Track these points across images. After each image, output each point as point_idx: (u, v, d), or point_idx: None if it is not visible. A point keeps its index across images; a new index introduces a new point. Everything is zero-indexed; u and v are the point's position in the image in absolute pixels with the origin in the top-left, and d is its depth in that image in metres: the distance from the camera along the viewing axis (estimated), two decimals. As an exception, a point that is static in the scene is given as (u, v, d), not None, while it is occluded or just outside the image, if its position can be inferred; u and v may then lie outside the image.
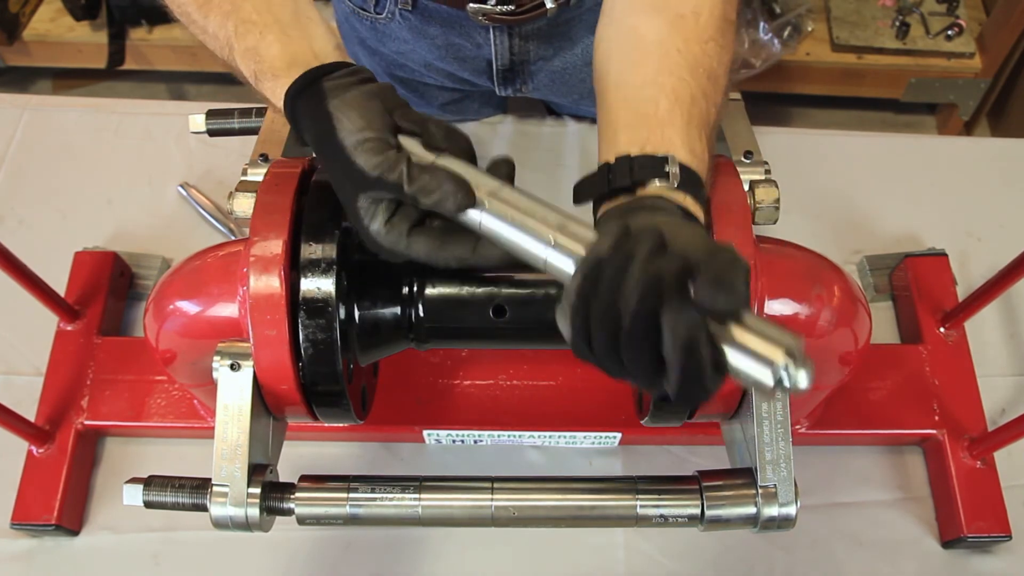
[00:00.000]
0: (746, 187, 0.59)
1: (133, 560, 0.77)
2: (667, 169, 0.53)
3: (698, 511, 0.56)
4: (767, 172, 0.66)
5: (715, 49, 0.58)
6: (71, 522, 0.77)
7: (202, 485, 0.57)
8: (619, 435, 0.79)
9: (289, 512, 0.57)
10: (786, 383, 0.41)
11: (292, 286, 0.55)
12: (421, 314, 0.60)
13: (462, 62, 0.94)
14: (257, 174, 0.65)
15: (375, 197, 0.52)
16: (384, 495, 0.57)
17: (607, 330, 0.44)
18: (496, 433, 0.79)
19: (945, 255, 0.88)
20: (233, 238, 0.92)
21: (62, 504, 0.76)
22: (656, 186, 0.53)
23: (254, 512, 0.56)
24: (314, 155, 0.55)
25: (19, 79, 2.16)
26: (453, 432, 0.79)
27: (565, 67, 0.93)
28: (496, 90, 0.96)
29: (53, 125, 1.02)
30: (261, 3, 0.58)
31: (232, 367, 0.57)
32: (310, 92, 0.54)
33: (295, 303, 0.55)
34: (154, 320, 0.63)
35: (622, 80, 0.59)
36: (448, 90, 1.02)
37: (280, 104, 0.56)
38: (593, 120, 1.04)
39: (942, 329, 0.83)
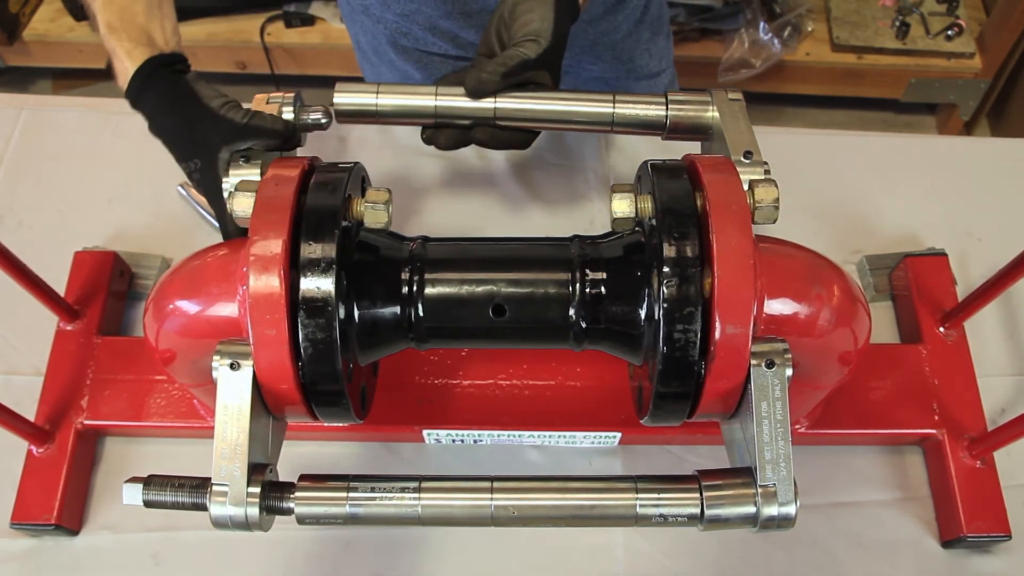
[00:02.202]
0: (745, 187, 0.58)
1: (133, 560, 0.77)
2: None
3: (698, 510, 0.56)
4: (767, 172, 0.66)
5: None
6: (71, 522, 0.77)
7: (202, 484, 0.57)
8: (618, 435, 0.79)
9: (289, 511, 0.57)
10: None
11: (292, 285, 0.55)
12: (421, 314, 0.61)
13: (467, 18, 0.95)
14: (239, 174, 0.67)
15: (240, 147, 0.67)
16: (384, 494, 0.57)
17: None
18: (496, 433, 0.79)
19: (945, 255, 0.88)
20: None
21: (62, 504, 0.76)
22: None
23: (254, 511, 0.56)
24: (160, 126, 0.68)
25: (19, 79, 2.17)
26: (453, 432, 0.79)
27: None
28: None
29: (51, 125, 1.02)
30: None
31: (232, 367, 0.57)
32: (165, 71, 0.68)
33: (295, 302, 0.55)
34: (154, 320, 0.63)
35: None
36: (451, 59, 1.02)
37: (125, 70, 0.69)
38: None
39: (942, 329, 0.83)
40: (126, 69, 0.69)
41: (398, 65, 1.05)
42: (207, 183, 0.68)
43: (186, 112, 0.68)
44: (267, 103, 0.71)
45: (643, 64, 1.09)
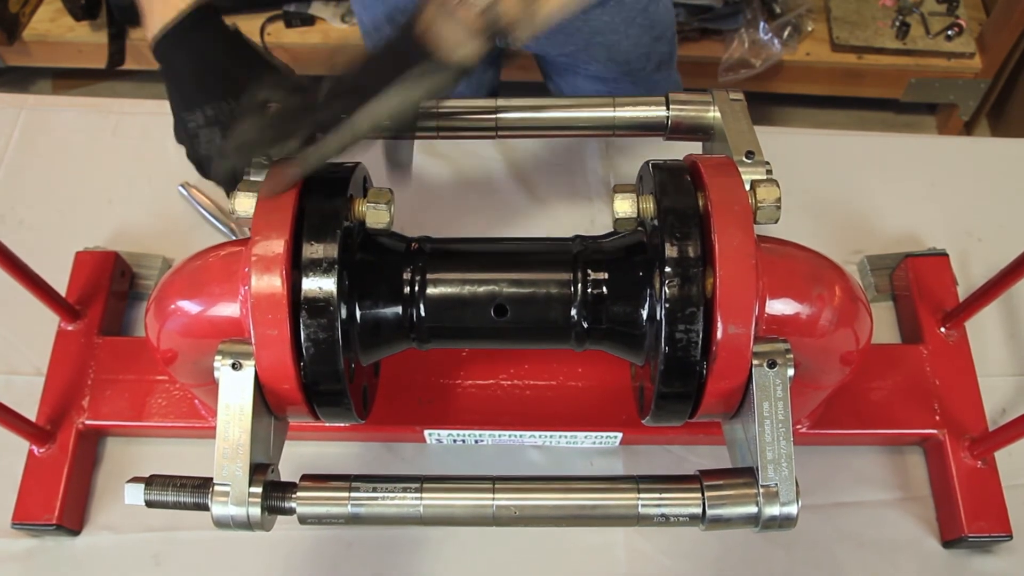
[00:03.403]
0: (747, 187, 0.59)
1: (134, 560, 0.77)
2: None
3: (699, 510, 0.56)
4: (768, 172, 0.66)
5: None
6: (72, 522, 0.77)
7: (203, 484, 0.57)
8: (620, 435, 0.79)
9: (290, 511, 0.57)
10: None
11: (293, 285, 0.55)
12: (422, 314, 0.61)
13: None
14: (259, 175, 0.65)
15: (275, 95, 0.61)
16: (385, 494, 0.57)
17: None
18: (497, 433, 0.79)
19: (946, 255, 0.88)
20: (234, 238, 0.92)
21: (63, 504, 0.76)
22: None
23: (255, 511, 0.56)
24: (204, 64, 0.67)
25: (19, 79, 2.16)
26: (454, 432, 0.79)
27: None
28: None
29: (51, 125, 1.02)
30: None
31: (233, 366, 0.57)
32: (218, 17, 0.67)
33: (296, 302, 0.56)
34: (155, 320, 0.63)
35: None
36: None
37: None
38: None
39: (943, 329, 0.83)
40: None
41: None
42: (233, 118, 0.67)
43: (240, 52, 0.68)
44: None
45: (640, 67, 1.09)
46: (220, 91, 0.66)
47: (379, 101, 0.57)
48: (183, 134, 0.68)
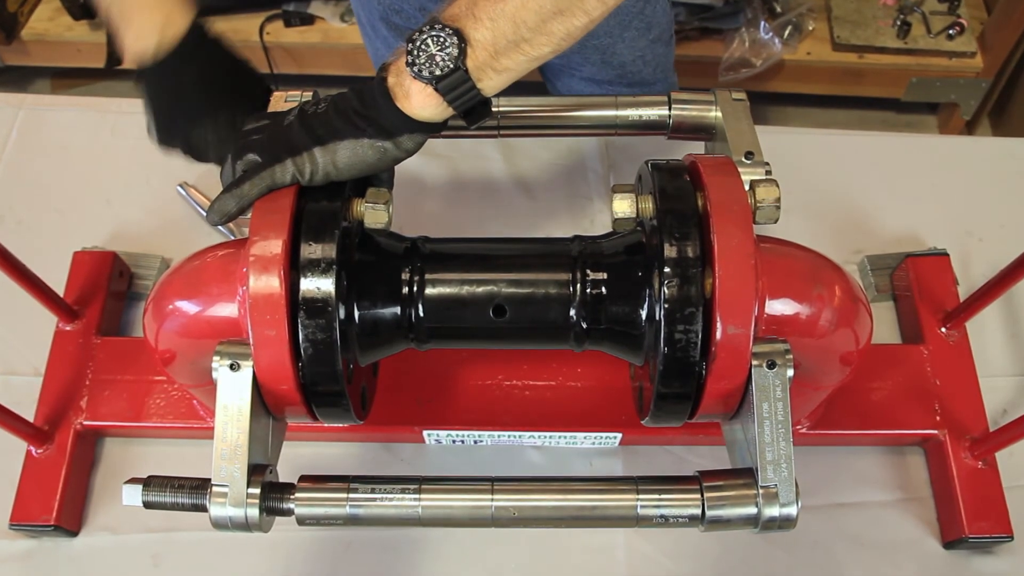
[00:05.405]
0: (747, 187, 0.58)
1: (132, 561, 0.77)
2: None
3: (699, 511, 0.56)
4: (768, 173, 0.66)
5: None
6: (70, 523, 0.77)
7: (202, 485, 0.56)
8: (619, 435, 0.79)
9: (289, 512, 0.57)
10: None
11: (292, 286, 0.55)
12: (421, 314, 0.60)
13: None
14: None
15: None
16: (384, 495, 0.57)
17: None
18: (496, 433, 0.79)
19: (946, 255, 0.88)
20: (232, 238, 0.92)
21: (61, 505, 0.76)
22: None
23: (254, 512, 0.56)
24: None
25: (17, 78, 2.16)
26: (453, 432, 0.79)
27: None
28: None
29: (49, 124, 1.02)
30: None
31: (232, 367, 0.57)
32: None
33: (295, 303, 0.55)
34: (153, 320, 0.63)
35: None
36: None
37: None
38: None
39: (943, 329, 0.83)
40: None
41: (391, 43, 1.05)
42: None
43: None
44: (285, 101, 0.71)
45: (636, 71, 1.08)
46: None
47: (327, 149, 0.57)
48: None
